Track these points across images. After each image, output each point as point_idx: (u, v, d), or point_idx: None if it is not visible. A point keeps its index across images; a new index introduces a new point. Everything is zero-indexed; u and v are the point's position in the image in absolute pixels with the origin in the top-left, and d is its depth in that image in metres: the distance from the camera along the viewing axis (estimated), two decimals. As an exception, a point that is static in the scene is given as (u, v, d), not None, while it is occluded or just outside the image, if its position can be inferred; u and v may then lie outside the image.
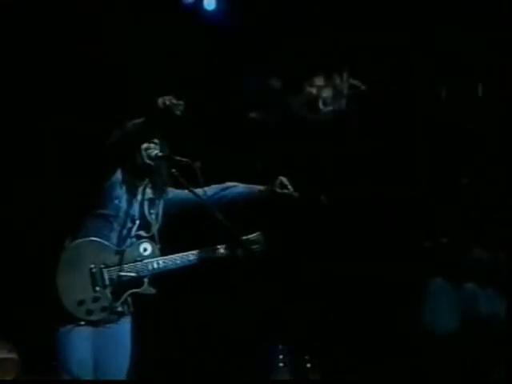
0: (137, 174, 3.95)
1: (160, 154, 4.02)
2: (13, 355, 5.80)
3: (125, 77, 6.89)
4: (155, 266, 3.90)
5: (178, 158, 4.00)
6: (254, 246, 4.11)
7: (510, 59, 6.90)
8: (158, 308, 4.71)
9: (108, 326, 3.84)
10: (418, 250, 5.99)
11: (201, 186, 3.96)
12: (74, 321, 3.71)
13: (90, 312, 3.72)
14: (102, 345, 3.83)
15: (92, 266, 3.74)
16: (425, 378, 5.43)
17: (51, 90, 6.68)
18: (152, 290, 3.91)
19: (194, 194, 3.94)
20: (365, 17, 7.90)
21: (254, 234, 4.15)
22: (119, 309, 3.83)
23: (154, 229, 3.96)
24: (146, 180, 4.01)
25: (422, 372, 5.49)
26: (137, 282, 3.86)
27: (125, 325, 3.93)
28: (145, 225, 3.95)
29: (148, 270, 3.88)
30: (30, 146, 6.49)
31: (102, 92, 6.68)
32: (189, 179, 4.06)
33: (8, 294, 5.82)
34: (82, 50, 6.50)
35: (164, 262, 3.93)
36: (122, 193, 3.88)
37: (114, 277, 3.77)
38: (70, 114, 6.73)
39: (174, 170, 4.06)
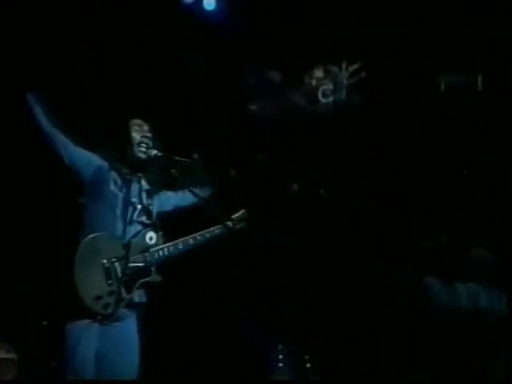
0: (127, 166, 3.96)
1: (159, 154, 4.02)
2: (11, 355, 5.80)
3: (124, 76, 6.90)
4: (161, 253, 3.97)
5: (177, 158, 4.01)
6: (241, 224, 4.19)
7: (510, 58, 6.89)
8: (160, 305, 4.73)
9: (114, 324, 3.85)
10: (418, 249, 5.99)
11: (200, 186, 3.98)
12: (92, 316, 3.74)
13: (106, 306, 3.76)
14: (108, 344, 3.84)
15: (105, 260, 3.77)
16: (425, 377, 5.44)
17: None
18: (159, 278, 3.97)
19: (193, 193, 3.96)
20: (364, 12, 7.91)
21: (240, 213, 4.22)
22: (132, 300, 3.87)
23: (154, 216, 4.00)
24: (139, 173, 4.02)
25: (422, 371, 5.50)
26: (145, 271, 3.90)
27: (130, 325, 3.94)
28: (146, 211, 3.99)
29: (155, 259, 3.94)
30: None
31: (100, 92, 6.69)
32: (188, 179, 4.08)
33: (7, 294, 5.82)
34: (80, 50, 6.51)
35: (168, 249, 3.98)
36: (116, 180, 3.90)
37: (126, 269, 3.81)
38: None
39: (173, 170, 4.06)
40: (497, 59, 7.62)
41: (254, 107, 10.83)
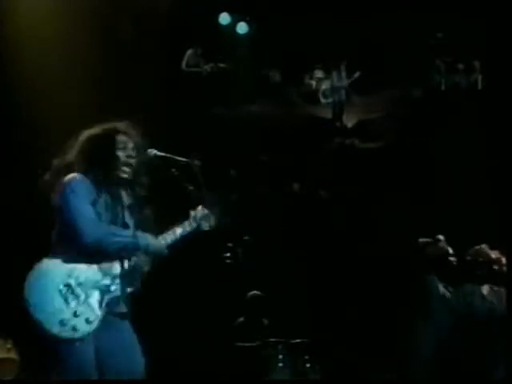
0: (110, 184, 3.87)
1: (159, 153, 3.99)
2: (12, 355, 5.81)
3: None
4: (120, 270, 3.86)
5: (177, 157, 3.99)
6: (205, 223, 4.06)
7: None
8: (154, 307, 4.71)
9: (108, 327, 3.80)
10: (417, 248, 5.98)
11: (200, 186, 3.94)
12: (64, 342, 3.65)
13: (75, 328, 3.66)
14: (108, 347, 3.79)
15: (61, 285, 3.68)
16: (424, 377, 5.43)
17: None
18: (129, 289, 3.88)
19: (193, 193, 3.94)
20: (363, 8, 7.92)
21: (204, 212, 4.09)
22: (105, 315, 3.79)
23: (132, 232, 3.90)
24: (124, 186, 3.94)
25: (421, 371, 5.49)
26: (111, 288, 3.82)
27: (123, 322, 3.89)
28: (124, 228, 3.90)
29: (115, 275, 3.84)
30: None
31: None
32: (188, 179, 4.06)
33: (7, 294, 5.81)
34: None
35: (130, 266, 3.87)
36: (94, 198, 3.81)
37: (88, 290, 3.73)
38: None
39: (173, 170, 4.03)
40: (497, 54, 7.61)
41: (254, 108, 10.85)
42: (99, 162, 3.82)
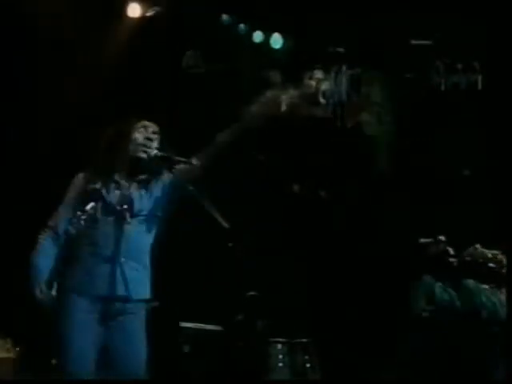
0: (125, 170, 3.87)
1: (160, 154, 3.99)
2: (12, 355, 5.81)
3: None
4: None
5: (178, 157, 3.99)
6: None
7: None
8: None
9: (118, 318, 3.81)
10: (418, 248, 5.99)
11: (200, 186, 3.95)
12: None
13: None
14: (115, 339, 3.79)
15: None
16: (424, 377, 5.43)
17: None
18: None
19: (195, 194, 3.95)
20: (363, 8, 7.91)
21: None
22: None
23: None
24: (139, 176, 3.94)
25: (421, 371, 5.49)
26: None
27: (138, 314, 3.90)
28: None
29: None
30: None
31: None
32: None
33: (7, 294, 5.81)
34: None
35: None
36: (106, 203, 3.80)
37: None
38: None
39: (173, 170, 4.03)
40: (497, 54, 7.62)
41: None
42: (116, 149, 3.83)
